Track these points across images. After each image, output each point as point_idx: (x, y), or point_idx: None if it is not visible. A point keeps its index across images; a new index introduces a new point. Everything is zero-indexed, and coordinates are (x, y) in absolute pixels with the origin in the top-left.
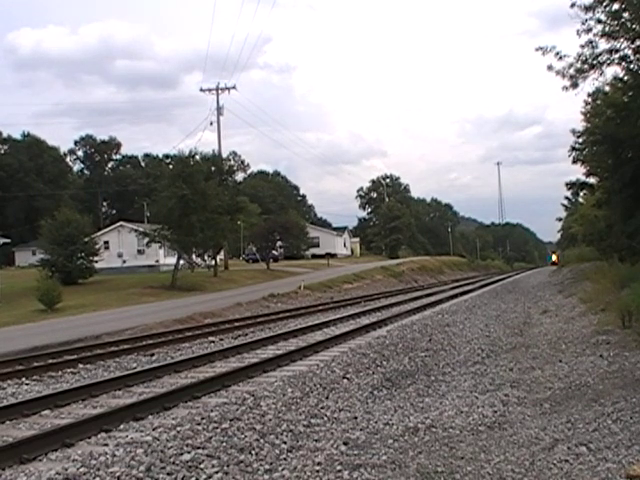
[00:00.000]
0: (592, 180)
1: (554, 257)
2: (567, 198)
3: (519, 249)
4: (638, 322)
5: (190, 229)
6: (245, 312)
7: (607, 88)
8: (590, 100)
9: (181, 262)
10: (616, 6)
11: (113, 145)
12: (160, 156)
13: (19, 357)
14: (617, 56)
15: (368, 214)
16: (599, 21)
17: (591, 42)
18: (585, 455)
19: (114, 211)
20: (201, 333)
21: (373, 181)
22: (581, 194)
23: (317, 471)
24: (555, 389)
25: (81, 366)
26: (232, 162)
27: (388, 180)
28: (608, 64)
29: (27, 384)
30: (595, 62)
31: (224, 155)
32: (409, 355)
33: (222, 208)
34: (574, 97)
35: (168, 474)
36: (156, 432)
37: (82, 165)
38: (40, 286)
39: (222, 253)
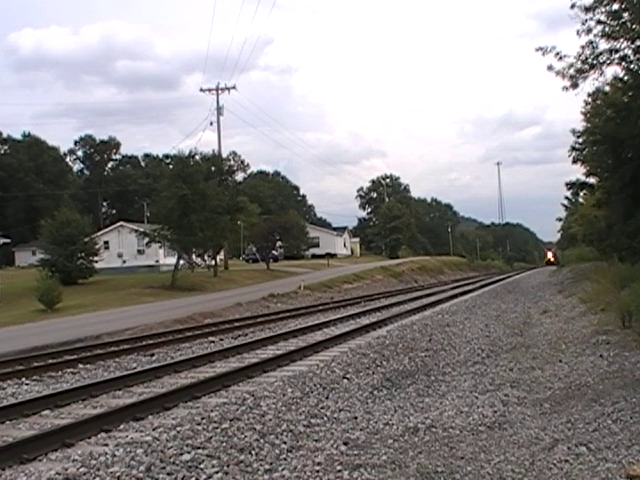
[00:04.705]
0: (592, 180)
1: (550, 255)
2: (567, 198)
3: (519, 249)
4: (638, 322)
5: (190, 229)
6: (245, 312)
7: (607, 88)
8: (590, 100)
9: (181, 262)
10: (616, 6)
11: (113, 145)
12: (160, 156)
13: (19, 357)
14: (617, 56)
15: (368, 214)
16: (599, 22)
17: (591, 42)
18: (585, 455)
19: (114, 211)
20: (201, 333)
21: (373, 181)
22: (581, 194)
23: (317, 471)
24: (555, 389)
25: (81, 366)
26: (232, 162)
27: (388, 180)
28: (608, 64)
29: (27, 384)
30: (595, 62)
31: (224, 155)
32: (409, 355)
33: (222, 208)
34: (574, 97)
35: (168, 474)
36: (156, 432)
37: (82, 165)
38: (40, 286)
39: (222, 253)
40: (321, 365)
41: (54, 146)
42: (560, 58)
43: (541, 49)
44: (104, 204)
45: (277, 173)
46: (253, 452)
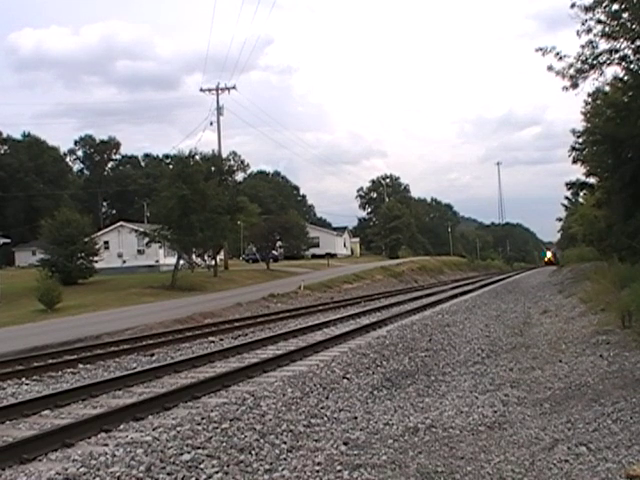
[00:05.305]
0: (592, 180)
1: (549, 254)
2: (567, 198)
3: (519, 249)
4: (638, 322)
5: (190, 229)
6: (245, 312)
7: (607, 88)
8: (590, 100)
9: (181, 262)
10: (616, 6)
11: (113, 145)
12: (160, 156)
13: (19, 357)
14: (617, 56)
15: (368, 214)
16: (599, 21)
17: (591, 42)
18: (585, 455)
19: (114, 211)
20: (201, 333)
21: (373, 181)
22: (581, 194)
23: (317, 471)
24: (555, 389)
25: (81, 366)
26: (232, 162)
27: (388, 180)
28: (608, 64)
29: (27, 384)
30: (595, 62)
31: (224, 155)
32: (409, 355)
33: (222, 208)
34: (574, 97)
35: (168, 474)
36: (156, 432)
37: (82, 165)
38: (40, 286)
39: (222, 253)
40: (321, 365)
41: (54, 146)
42: (560, 58)
43: (541, 49)
44: (104, 204)
45: (277, 173)
46: (253, 452)
